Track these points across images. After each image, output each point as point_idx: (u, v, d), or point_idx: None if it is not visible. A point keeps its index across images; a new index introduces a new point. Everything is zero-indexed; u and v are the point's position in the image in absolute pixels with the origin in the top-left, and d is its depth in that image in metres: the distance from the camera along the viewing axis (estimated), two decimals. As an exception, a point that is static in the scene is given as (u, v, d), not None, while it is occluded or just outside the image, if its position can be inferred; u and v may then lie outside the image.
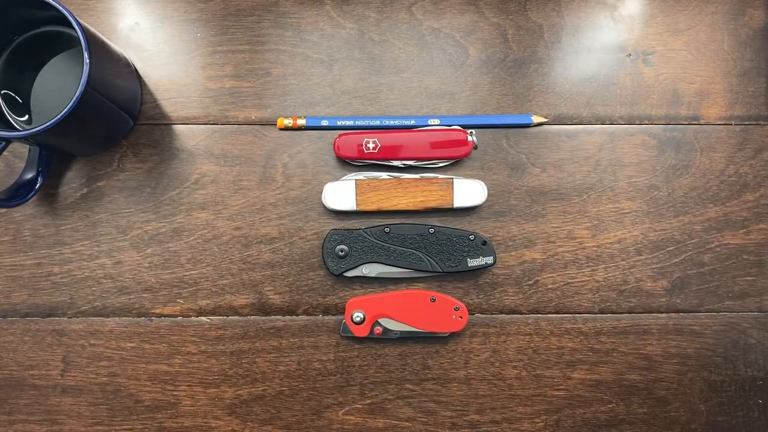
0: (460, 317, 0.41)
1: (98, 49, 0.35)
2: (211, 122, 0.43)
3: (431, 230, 0.41)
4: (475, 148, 0.42)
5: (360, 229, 0.42)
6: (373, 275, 0.41)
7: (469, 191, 0.42)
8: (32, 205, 0.42)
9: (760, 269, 0.43)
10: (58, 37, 0.39)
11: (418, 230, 0.42)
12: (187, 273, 0.42)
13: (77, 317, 0.42)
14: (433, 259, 0.41)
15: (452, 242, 0.41)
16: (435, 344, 0.42)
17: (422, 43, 0.43)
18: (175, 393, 0.42)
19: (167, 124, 0.43)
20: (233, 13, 0.43)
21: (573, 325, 0.43)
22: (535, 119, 0.43)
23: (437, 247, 0.41)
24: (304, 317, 0.42)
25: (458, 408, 0.42)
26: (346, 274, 0.41)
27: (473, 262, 0.41)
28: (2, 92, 0.39)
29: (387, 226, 0.41)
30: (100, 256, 0.42)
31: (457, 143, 0.42)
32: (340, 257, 0.41)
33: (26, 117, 0.39)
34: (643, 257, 0.43)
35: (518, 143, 0.43)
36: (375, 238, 0.41)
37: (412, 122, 0.42)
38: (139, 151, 0.42)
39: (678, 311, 0.43)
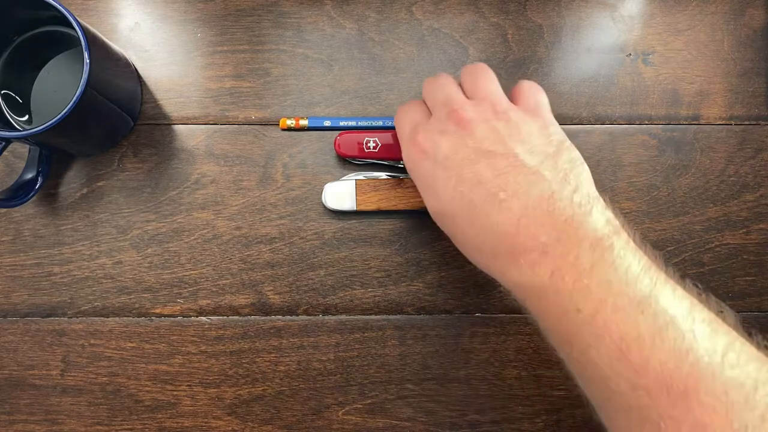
0: None
1: (98, 49, 0.35)
2: (211, 122, 0.43)
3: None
4: (475, 148, 0.42)
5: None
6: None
7: (469, 191, 0.42)
8: (32, 205, 0.42)
9: (760, 269, 0.43)
10: (58, 37, 0.39)
11: (418, 230, 0.41)
12: (187, 273, 0.42)
13: (77, 317, 0.42)
14: (433, 259, 0.41)
15: (452, 242, 0.41)
16: (435, 344, 0.42)
17: (422, 43, 0.43)
18: (175, 393, 0.42)
19: (167, 124, 0.43)
20: (233, 13, 0.43)
21: (573, 325, 0.43)
22: (535, 119, 0.43)
23: (437, 247, 0.41)
24: (304, 317, 0.42)
25: (458, 408, 0.42)
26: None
27: (473, 262, 0.41)
28: (2, 92, 0.39)
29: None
30: (100, 256, 0.42)
31: (457, 143, 0.42)
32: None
33: (26, 117, 0.39)
34: (643, 257, 0.43)
35: (518, 143, 0.43)
36: None
37: (412, 122, 0.42)
38: (139, 151, 0.42)
39: (678, 311, 0.43)
